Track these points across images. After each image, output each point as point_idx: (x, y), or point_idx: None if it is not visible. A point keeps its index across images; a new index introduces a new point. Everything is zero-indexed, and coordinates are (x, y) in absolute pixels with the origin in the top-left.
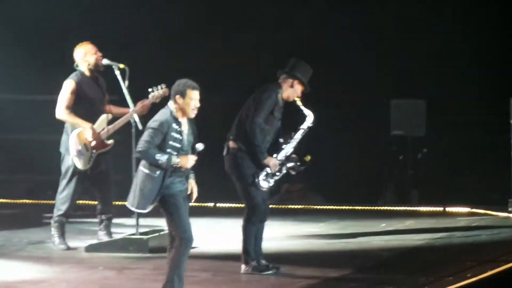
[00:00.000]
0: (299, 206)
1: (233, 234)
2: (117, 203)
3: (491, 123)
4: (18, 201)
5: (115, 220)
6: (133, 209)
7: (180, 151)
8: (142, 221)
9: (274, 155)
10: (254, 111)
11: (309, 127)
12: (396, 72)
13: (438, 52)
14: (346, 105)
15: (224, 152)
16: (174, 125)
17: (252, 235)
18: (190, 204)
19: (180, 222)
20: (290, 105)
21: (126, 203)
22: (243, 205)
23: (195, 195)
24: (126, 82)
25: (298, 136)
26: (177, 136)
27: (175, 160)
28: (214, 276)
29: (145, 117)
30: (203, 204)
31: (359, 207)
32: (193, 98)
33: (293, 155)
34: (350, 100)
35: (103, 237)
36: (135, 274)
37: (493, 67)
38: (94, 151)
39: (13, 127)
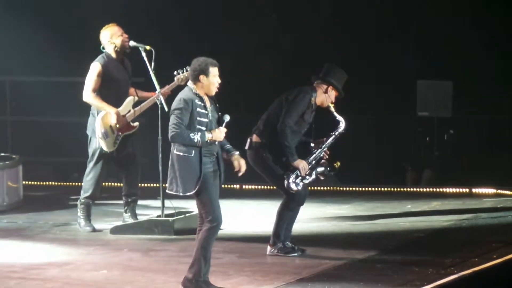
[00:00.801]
0: (324, 188)
1: (259, 216)
2: (143, 185)
3: None
4: (44, 183)
5: (140, 202)
6: (180, 193)
7: (208, 127)
8: (168, 203)
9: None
10: (286, 113)
11: (340, 133)
12: (423, 53)
13: (465, 33)
14: (372, 86)
15: (247, 146)
16: (198, 101)
17: (286, 220)
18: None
19: (210, 204)
20: (322, 110)
21: (168, 190)
22: (269, 187)
23: (243, 168)
24: (152, 64)
25: (329, 141)
26: (203, 111)
27: (208, 135)
28: (239, 258)
29: (172, 98)
30: (229, 186)
31: (385, 189)
32: (216, 75)
33: (323, 160)
34: (376, 81)
35: (128, 219)
36: (160, 256)
37: None
38: (119, 133)
39: (40, 109)
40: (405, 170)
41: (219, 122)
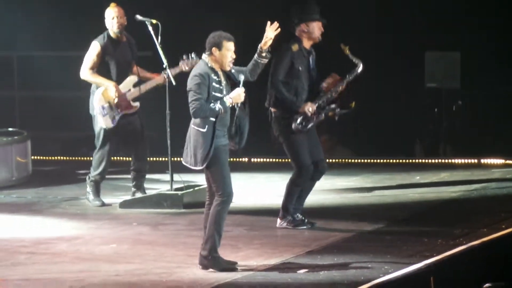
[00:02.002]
0: (332, 160)
1: (267, 189)
2: (151, 159)
3: None
4: (53, 158)
5: (149, 176)
6: (191, 167)
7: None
8: (176, 176)
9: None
10: (272, 74)
11: (357, 75)
12: (430, 24)
13: (473, 3)
14: (380, 57)
15: (270, 119)
16: (213, 76)
17: (295, 195)
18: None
19: (221, 178)
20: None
21: (182, 161)
22: (278, 160)
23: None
24: (159, 38)
25: (343, 83)
26: (218, 86)
27: (229, 100)
28: (248, 231)
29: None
30: (237, 159)
31: (393, 160)
32: (230, 49)
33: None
34: (384, 52)
35: (137, 193)
36: (169, 229)
37: None
38: (118, 110)
39: (48, 84)
40: (420, 141)
41: (235, 85)
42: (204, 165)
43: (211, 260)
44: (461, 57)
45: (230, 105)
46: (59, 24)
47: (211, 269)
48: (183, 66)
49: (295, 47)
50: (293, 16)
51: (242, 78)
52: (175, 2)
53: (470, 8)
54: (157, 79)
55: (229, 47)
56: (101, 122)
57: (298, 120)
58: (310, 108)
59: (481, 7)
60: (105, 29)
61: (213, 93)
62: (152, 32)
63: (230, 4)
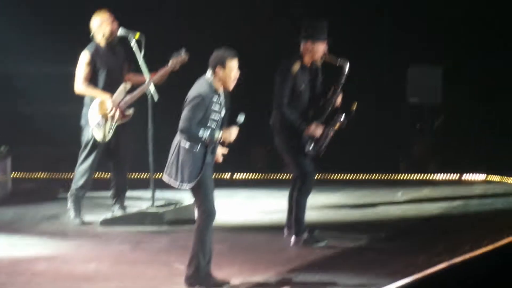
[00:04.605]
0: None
1: (249, 205)
2: (133, 175)
3: (507, 90)
4: (34, 174)
5: (130, 193)
6: (175, 185)
7: (218, 124)
8: (158, 194)
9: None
10: (277, 97)
11: (346, 77)
12: (413, 39)
13: (455, 19)
14: (362, 72)
15: (271, 121)
16: (214, 99)
17: (305, 205)
18: None
19: (205, 197)
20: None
21: (164, 178)
22: (259, 177)
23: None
24: (142, 51)
25: (336, 92)
26: (217, 109)
27: (218, 135)
28: (229, 248)
29: (163, 87)
30: (220, 175)
31: (376, 176)
32: (233, 68)
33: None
34: (367, 67)
35: (117, 211)
36: (151, 248)
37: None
38: (113, 122)
39: (28, 100)
40: (402, 157)
41: (232, 121)
42: (192, 185)
43: (197, 279)
44: (443, 72)
45: (218, 140)
46: (39, 40)
47: None
48: (172, 63)
49: (296, 67)
50: (303, 30)
51: (241, 119)
52: (157, 14)
53: (453, 24)
54: (146, 86)
55: (233, 65)
56: (97, 135)
57: (311, 146)
58: (316, 130)
59: (463, 23)
60: (89, 43)
61: (210, 115)
62: (135, 46)
63: (213, 15)
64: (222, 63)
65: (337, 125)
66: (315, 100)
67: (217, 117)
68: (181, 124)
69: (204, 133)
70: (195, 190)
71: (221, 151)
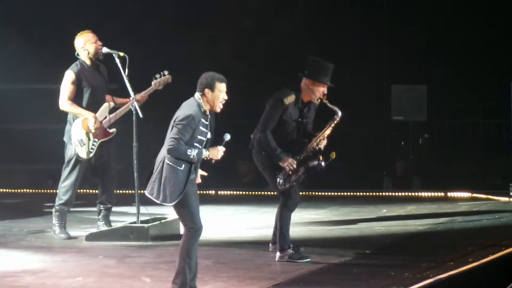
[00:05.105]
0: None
1: (234, 221)
2: (118, 191)
3: (492, 108)
4: (19, 190)
5: (116, 209)
6: (158, 201)
7: (204, 145)
8: (143, 209)
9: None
10: (262, 120)
11: (336, 123)
12: (397, 57)
13: (439, 37)
14: (346, 90)
15: (250, 146)
16: (202, 119)
17: (289, 220)
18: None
19: (189, 212)
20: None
21: (147, 194)
22: (244, 193)
23: (198, 180)
24: (127, 70)
25: (321, 133)
26: (204, 130)
27: (205, 153)
28: (215, 264)
29: (147, 105)
30: (204, 192)
31: (360, 193)
32: (222, 91)
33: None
34: (351, 85)
35: (102, 226)
36: (136, 262)
37: (494, 52)
38: (96, 140)
39: (14, 117)
40: (387, 174)
41: (218, 141)
42: (175, 202)
43: None
44: (427, 90)
45: (205, 158)
46: (25, 57)
47: None
48: (155, 85)
49: (289, 100)
50: (308, 66)
51: (227, 138)
52: (140, 32)
53: (436, 42)
54: (129, 104)
55: (221, 88)
56: (79, 152)
57: (281, 179)
58: (289, 165)
59: (447, 41)
60: (73, 61)
61: (198, 136)
62: (119, 65)
63: (195, 31)
64: (210, 86)
65: (312, 167)
66: (299, 136)
67: (204, 137)
68: (170, 142)
69: (192, 152)
70: (178, 208)
71: (200, 172)
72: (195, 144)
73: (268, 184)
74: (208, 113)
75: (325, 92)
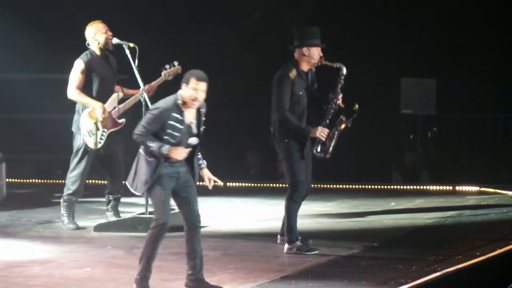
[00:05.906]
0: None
1: (242, 213)
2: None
3: (501, 101)
4: (27, 180)
5: (124, 200)
6: (131, 189)
7: (178, 141)
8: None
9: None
10: (276, 104)
11: (344, 78)
12: (407, 51)
13: (449, 31)
14: (356, 83)
15: (272, 138)
16: (175, 114)
17: (296, 212)
18: (199, 183)
19: (161, 204)
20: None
21: (126, 182)
22: (253, 185)
23: (211, 185)
24: (136, 61)
25: (336, 93)
26: (177, 125)
27: (166, 150)
28: (223, 255)
29: (156, 97)
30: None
31: (369, 186)
32: (197, 89)
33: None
34: (360, 78)
35: (111, 217)
36: None
37: (505, 46)
38: (105, 130)
39: (23, 107)
40: (396, 168)
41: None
42: (143, 192)
43: (138, 280)
44: (436, 83)
45: (164, 155)
46: (34, 47)
47: None
48: (165, 75)
49: (292, 74)
50: (294, 38)
51: (193, 142)
52: (150, 23)
53: (446, 35)
54: (139, 95)
55: (197, 86)
56: (88, 142)
57: (318, 149)
58: (322, 132)
59: (456, 34)
60: (82, 51)
61: (169, 130)
62: (129, 55)
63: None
64: (187, 81)
65: (343, 125)
66: (314, 105)
67: (176, 133)
68: (136, 130)
69: (152, 144)
70: (151, 197)
71: (211, 177)
72: (165, 137)
73: (280, 176)
74: (183, 108)
75: (321, 54)
